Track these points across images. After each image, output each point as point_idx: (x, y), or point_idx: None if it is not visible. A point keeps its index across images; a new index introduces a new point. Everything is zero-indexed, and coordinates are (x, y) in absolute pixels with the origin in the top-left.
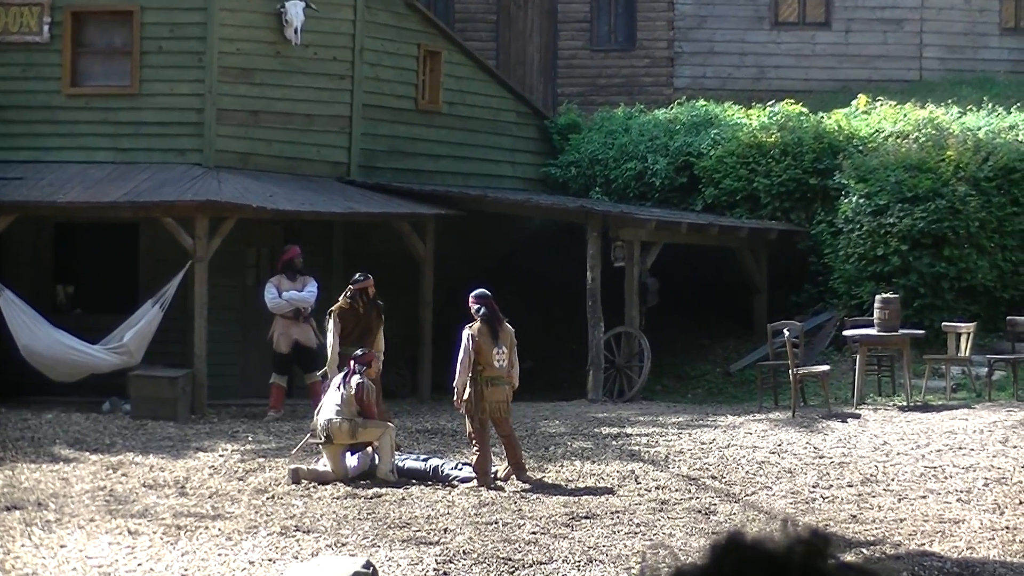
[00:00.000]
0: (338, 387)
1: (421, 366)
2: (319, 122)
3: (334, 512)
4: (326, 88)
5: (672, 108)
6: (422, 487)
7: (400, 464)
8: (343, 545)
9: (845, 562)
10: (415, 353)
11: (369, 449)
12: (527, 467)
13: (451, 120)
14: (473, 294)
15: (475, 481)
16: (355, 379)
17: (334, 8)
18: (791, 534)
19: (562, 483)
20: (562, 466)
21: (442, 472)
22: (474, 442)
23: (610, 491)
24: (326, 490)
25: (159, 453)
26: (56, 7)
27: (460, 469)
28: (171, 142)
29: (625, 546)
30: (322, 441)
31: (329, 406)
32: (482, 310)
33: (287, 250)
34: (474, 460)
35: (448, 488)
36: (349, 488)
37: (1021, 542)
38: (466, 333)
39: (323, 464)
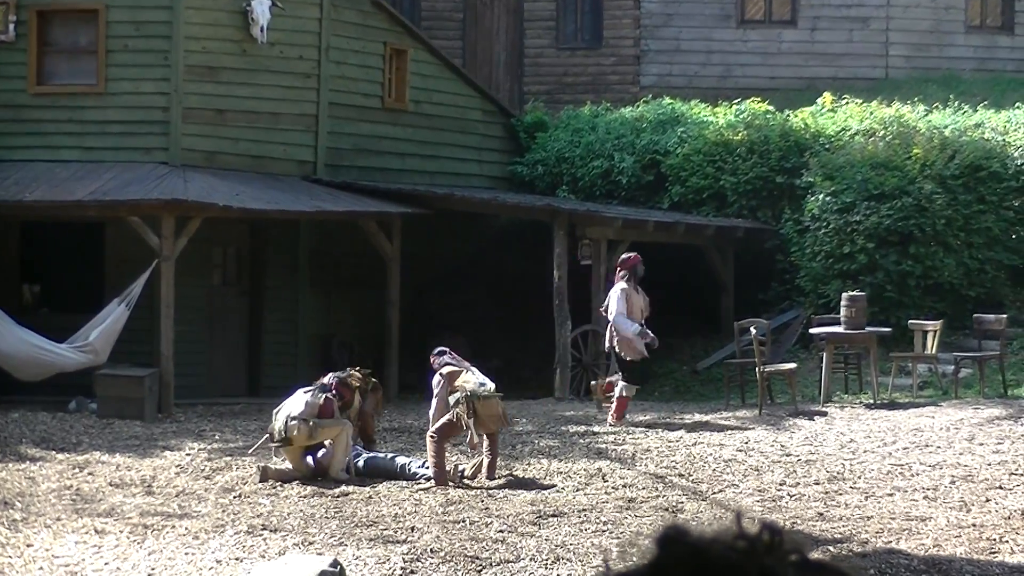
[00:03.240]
0: (305, 392)
1: (387, 365)
2: (285, 120)
3: (301, 511)
4: (292, 87)
5: (638, 106)
6: (388, 485)
7: (364, 462)
8: (310, 544)
9: (806, 558)
10: (382, 352)
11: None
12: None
13: (417, 118)
14: (434, 353)
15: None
16: (324, 395)
17: (300, 6)
18: (738, 529)
19: (530, 480)
20: (529, 464)
21: (408, 470)
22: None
23: (577, 489)
24: (293, 488)
25: (126, 452)
26: (21, 6)
27: (426, 467)
28: (137, 141)
29: (592, 544)
30: (278, 444)
31: (289, 409)
32: (445, 357)
33: (630, 257)
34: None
35: (414, 485)
36: (316, 487)
37: (988, 539)
38: (436, 379)
39: (286, 464)
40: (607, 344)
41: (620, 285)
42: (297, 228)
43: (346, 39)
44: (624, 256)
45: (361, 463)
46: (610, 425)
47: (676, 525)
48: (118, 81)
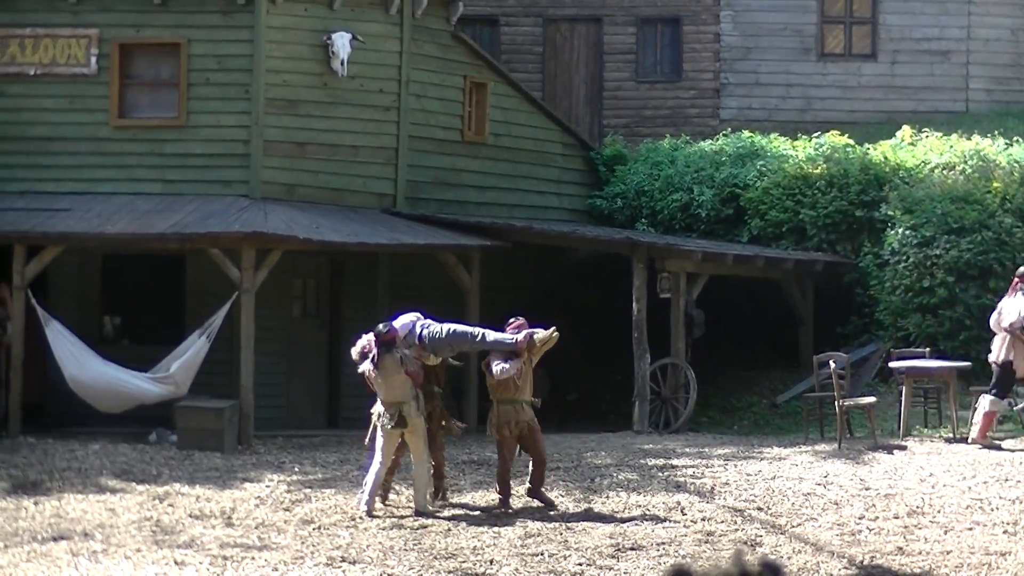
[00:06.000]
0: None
1: (466, 397)
2: (364, 153)
3: (380, 543)
4: (372, 119)
5: (718, 139)
6: (468, 520)
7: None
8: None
9: None
10: (460, 384)
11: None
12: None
13: (497, 151)
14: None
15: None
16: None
17: (380, 40)
18: (740, 566)
19: (607, 513)
20: (608, 497)
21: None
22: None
23: (656, 522)
24: (372, 521)
25: (205, 484)
26: (104, 39)
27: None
28: (217, 174)
29: None
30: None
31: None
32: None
33: None
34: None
35: (492, 519)
36: (395, 519)
37: None
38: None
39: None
40: (997, 357)
41: (1021, 296)
42: (376, 261)
43: (426, 72)
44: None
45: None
46: (971, 441)
47: (681, 565)
48: (199, 114)
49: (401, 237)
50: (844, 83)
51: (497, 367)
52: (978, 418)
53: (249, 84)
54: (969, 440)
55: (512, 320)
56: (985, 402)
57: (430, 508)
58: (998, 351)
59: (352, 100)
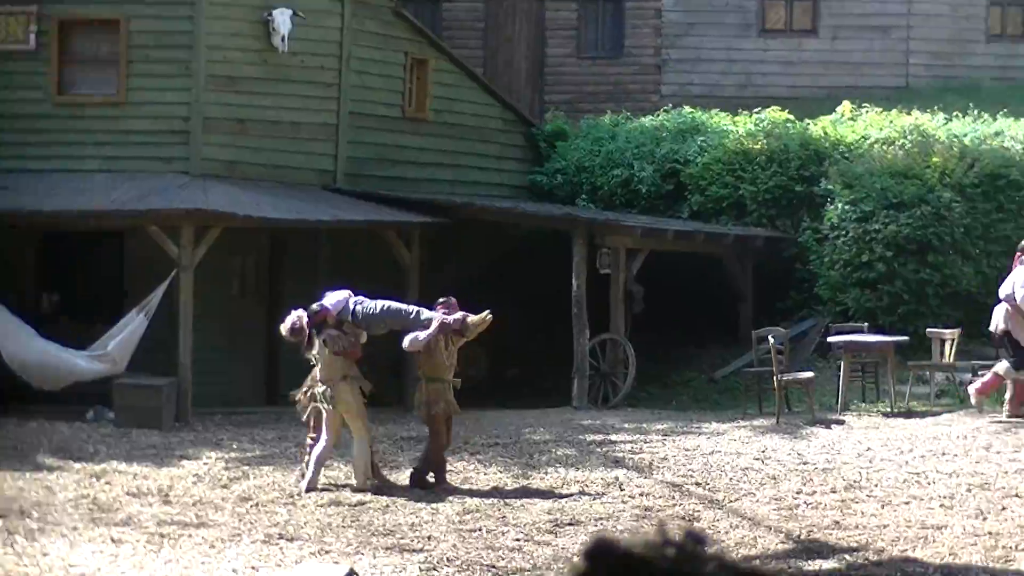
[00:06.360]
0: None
1: (405, 375)
2: (306, 130)
3: (318, 520)
4: (313, 96)
5: (659, 115)
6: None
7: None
8: (327, 553)
9: (725, 563)
10: (400, 362)
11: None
12: (509, 475)
13: (438, 128)
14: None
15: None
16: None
17: (322, 16)
18: (663, 537)
19: (545, 489)
20: (546, 473)
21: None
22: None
23: (594, 497)
24: (310, 497)
25: (143, 461)
26: (43, 16)
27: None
28: (157, 151)
29: None
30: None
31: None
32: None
33: None
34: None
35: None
36: (333, 495)
37: (1003, 548)
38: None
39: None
40: (998, 327)
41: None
42: (316, 238)
43: (367, 49)
44: None
45: None
46: (1008, 416)
47: (604, 536)
48: (139, 91)
49: (342, 214)
50: (785, 59)
51: (408, 337)
52: (1009, 394)
53: (190, 61)
54: (1006, 415)
55: (442, 300)
56: (1009, 372)
57: (368, 485)
58: (1002, 321)
59: (293, 77)
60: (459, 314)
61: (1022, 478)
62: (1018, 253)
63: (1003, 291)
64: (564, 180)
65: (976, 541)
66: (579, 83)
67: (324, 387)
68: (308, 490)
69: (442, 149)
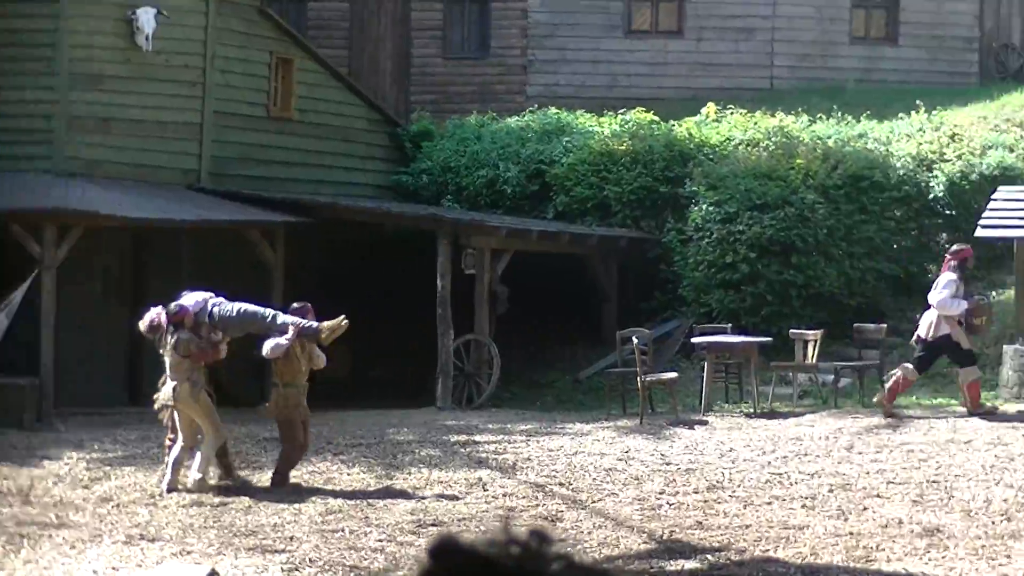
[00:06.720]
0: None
1: (267, 376)
2: (170, 129)
3: (179, 520)
4: (177, 95)
5: (524, 116)
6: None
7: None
8: (188, 553)
9: (571, 562)
10: (262, 361)
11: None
12: (372, 475)
13: (303, 127)
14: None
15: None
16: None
17: (185, 15)
18: (508, 535)
19: (409, 490)
20: (409, 474)
21: None
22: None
23: (457, 498)
24: (171, 498)
25: (3, 462)
26: None
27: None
28: (21, 149)
29: None
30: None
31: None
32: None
33: (963, 249)
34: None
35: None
36: (195, 496)
37: (864, 548)
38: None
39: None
40: (929, 333)
41: (950, 275)
42: (180, 237)
43: (232, 48)
44: (957, 247)
45: None
46: (886, 417)
47: (448, 535)
48: (2, 90)
49: (206, 213)
50: (651, 60)
51: (268, 344)
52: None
53: (53, 59)
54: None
55: (297, 304)
56: (968, 376)
57: (208, 484)
58: (929, 328)
59: (157, 75)
60: (312, 322)
61: (883, 478)
62: (947, 256)
63: (932, 298)
64: (430, 180)
65: (837, 541)
66: (445, 83)
67: (172, 387)
68: (169, 491)
69: (307, 149)
